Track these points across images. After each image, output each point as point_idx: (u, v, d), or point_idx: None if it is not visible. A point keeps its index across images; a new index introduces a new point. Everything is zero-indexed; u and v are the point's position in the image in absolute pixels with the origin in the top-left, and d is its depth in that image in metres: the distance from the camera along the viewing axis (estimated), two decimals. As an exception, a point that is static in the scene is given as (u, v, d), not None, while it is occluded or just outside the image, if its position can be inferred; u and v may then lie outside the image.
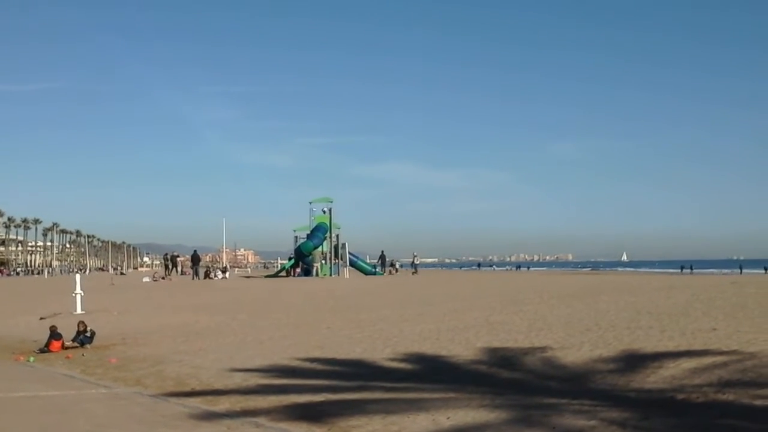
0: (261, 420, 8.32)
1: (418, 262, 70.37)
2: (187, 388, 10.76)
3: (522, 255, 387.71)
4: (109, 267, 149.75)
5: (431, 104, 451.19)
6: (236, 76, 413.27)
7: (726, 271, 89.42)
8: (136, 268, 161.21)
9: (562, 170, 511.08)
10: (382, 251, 67.83)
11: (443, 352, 13.12)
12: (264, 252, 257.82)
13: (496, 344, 13.72)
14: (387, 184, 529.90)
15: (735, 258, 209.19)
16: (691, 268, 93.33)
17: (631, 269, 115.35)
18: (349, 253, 60.14)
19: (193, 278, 55.22)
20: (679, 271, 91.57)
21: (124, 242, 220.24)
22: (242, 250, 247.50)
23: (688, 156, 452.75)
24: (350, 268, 58.78)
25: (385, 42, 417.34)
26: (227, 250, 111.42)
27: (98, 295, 31.04)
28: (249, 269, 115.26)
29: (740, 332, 13.23)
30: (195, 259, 58.43)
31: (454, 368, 11.70)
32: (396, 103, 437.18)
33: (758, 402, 8.03)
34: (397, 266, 72.33)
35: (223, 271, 63.40)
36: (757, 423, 7.15)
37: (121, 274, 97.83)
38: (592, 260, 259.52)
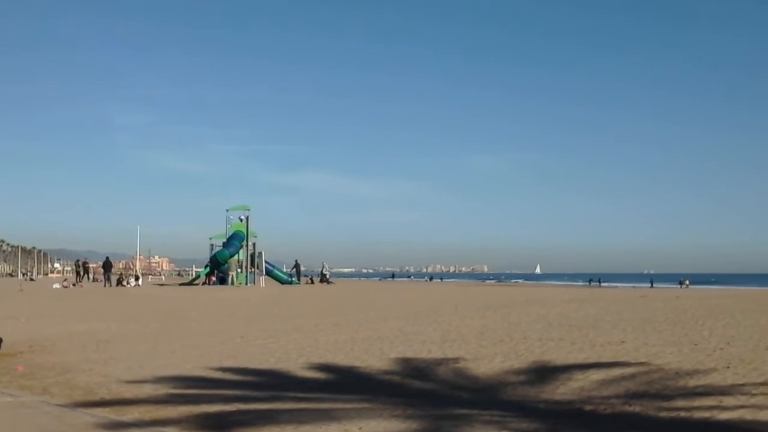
0: (171, 430, 8.19)
1: (326, 272, 70.28)
2: (96, 398, 10.51)
3: (438, 266, 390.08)
4: (18, 273, 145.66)
5: (349, 113, 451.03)
6: (153, 80, 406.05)
7: (636, 285, 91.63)
8: (46, 274, 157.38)
9: (479, 181, 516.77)
10: (296, 260, 67.67)
11: (357, 363, 13.11)
12: (179, 260, 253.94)
13: (410, 355, 13.77)
14: (305, 193, 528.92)
15: (646, 272, 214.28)
16: (599, 281, 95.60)
17: (532, 282, 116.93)
18: (266, 261, 59.86)
19: (105, 285, 54.32)
20: (588, 283, 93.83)
21: (34, 247, 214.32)
22: (157, 257, 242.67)
23: (601, 167, 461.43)
24: (266, 277, 58.49)
25: (301, 50, 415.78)
26: (141, 257, 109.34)
27: (6, 301, 30.30)
28: (163, 277, 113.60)
29: (648, 345, 13.55)
30: (107, 266, 57.48)
31: (367, 379, 11.70)
32: (315, 112, 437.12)
33: (663, 414, 8.22)
34: (328, 275, 72.20)
35: (136, 279, 62.29)
36: (662, 434, 7.30)
37: (31, 279, 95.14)
38: (507, 272, 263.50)
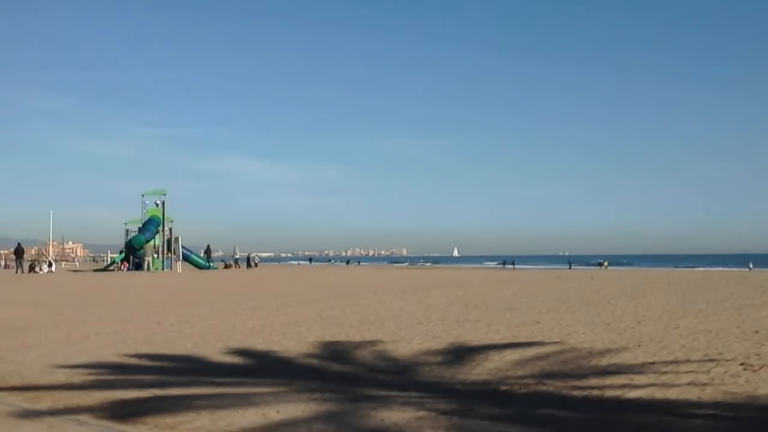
0: (84, 417, 8.02)
1: (238, 256, 70.24)
2: (7, 386, 10.25)
3: (358, 250, 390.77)
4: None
5: (266, 98, 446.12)
6: (67, 63, 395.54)
7: (557, 267, 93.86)
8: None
9: (398, 165, 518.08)
10: (208, 245, 67.13)
11: (275, 347, 13.06)
12: (94, 245, 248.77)
13: (329, 338, 13.78)
14: (223, 178, 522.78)
15: (561, 254, 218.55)
16: (513, 263, 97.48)
17: (450, 264, 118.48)
18: (183, 247, 59.16)
19: (16, 272, 53.17)
20: (502, 265, 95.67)
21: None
22: (71, 243, 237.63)
23: (518, 150, 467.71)
24: (183, 262, 57.82)
25: (213, 34, 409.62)
26: (54, 243, 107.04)
27: None
28: (77, 263, 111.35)
29: (562, 325, 13.83)
30: (19, 252, 56.07)
31: (285, 363, 11.66)
32: (232, 96, 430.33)
33: (576, 392, 8.38)
34: (257, 260, 72.60)
35: (49, 265, 60.87)
36: (575, 412, 7.43)
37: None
38: (426, 255, 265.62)
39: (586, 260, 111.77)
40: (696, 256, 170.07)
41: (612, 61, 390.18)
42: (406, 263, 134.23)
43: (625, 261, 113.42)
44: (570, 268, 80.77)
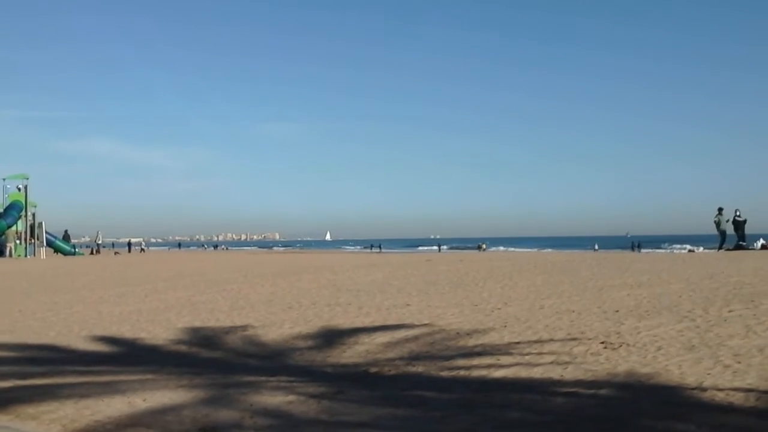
0: (-61, 411, 7.70)
1: (100, 242, 69.06)
2: None
3: (230, 234, 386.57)
4: None
5: (133, 81, 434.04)
6: None
7: (424, 249, 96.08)
8: None
9: (269, 149, 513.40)
10: (66, 230, 65.41)
11: (143, 334, 12.83)
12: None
13: (198, 324, 13.63)
14: (89, 161, 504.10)
15: (432, 237, 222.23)
16: (380, 247, 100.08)
17: (323, 248, 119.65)
18: (47, 232, 57.34)
19: None
20: (369, 249, 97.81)
21: None
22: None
23: (390, 137, 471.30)
24: (48, 248, 56.08)
25: (84, 19, 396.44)
26: None
27: None
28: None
29: (431, 307, 14.03)
30: None
31: (153, 349, 11.48)
32: (96, 78, 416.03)
33: (444, 373, 8.53)
34: (143, 245, 72.20)
35: None
36: (442, 393, 7.56)
37: None
38: (299, 239, 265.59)
39: (464, 243, 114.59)
40: (554, 238, 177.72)
41: (476, 42, 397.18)
42: (279, 247, 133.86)
43: (487, 243, 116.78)
44: (440, 251, 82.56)
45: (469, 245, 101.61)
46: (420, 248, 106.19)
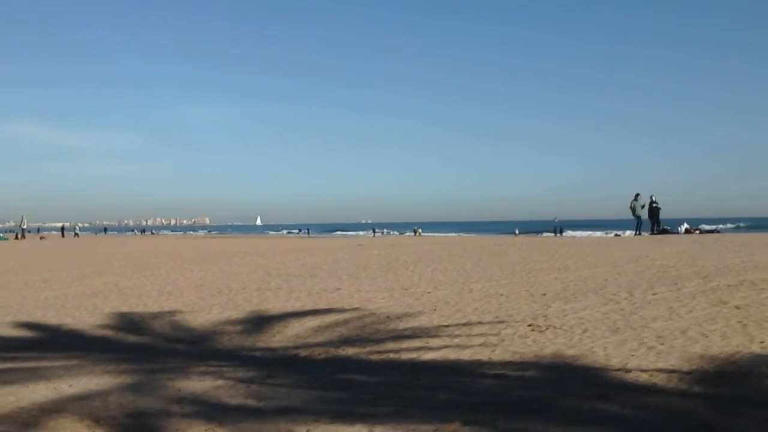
0: None
1: (25, 226, 67.55)
2: None
3: (159, 219, 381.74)
4: None
5: (60, 64, 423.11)
6: None
7: (360, 233, 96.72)
8: None
9: (200, 133, 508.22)
10: None
11: (68, 320, 12.61)
12: None
13: (125, 309, 13.45)
14: (10, 143, 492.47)
15: (364, 221, 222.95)
16: (308, 231, 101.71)
17: (254, 233, 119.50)
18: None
19: None
20: (298, 232, 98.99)
21: None
22: None
23: (322, 121, 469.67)
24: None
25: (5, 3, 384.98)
26: None
27: None
28: None
29: (362, 291, 14.05)
30: None
31: (79, 335, 11.28)
32: (20, 61, 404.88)
33: (374, 356, 8.55)
34: (77, 230, 71.60)
35: None
36: (372, 376, 7.57)
37: None
38: (230, 224, 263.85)
39: (400, 228, 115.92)
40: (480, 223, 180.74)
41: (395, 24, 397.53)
42: (209, 231, 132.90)
43: (416, 227, 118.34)
44: (374, 235, 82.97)
45: (404, 230, 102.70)
46: (350, 233, 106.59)
